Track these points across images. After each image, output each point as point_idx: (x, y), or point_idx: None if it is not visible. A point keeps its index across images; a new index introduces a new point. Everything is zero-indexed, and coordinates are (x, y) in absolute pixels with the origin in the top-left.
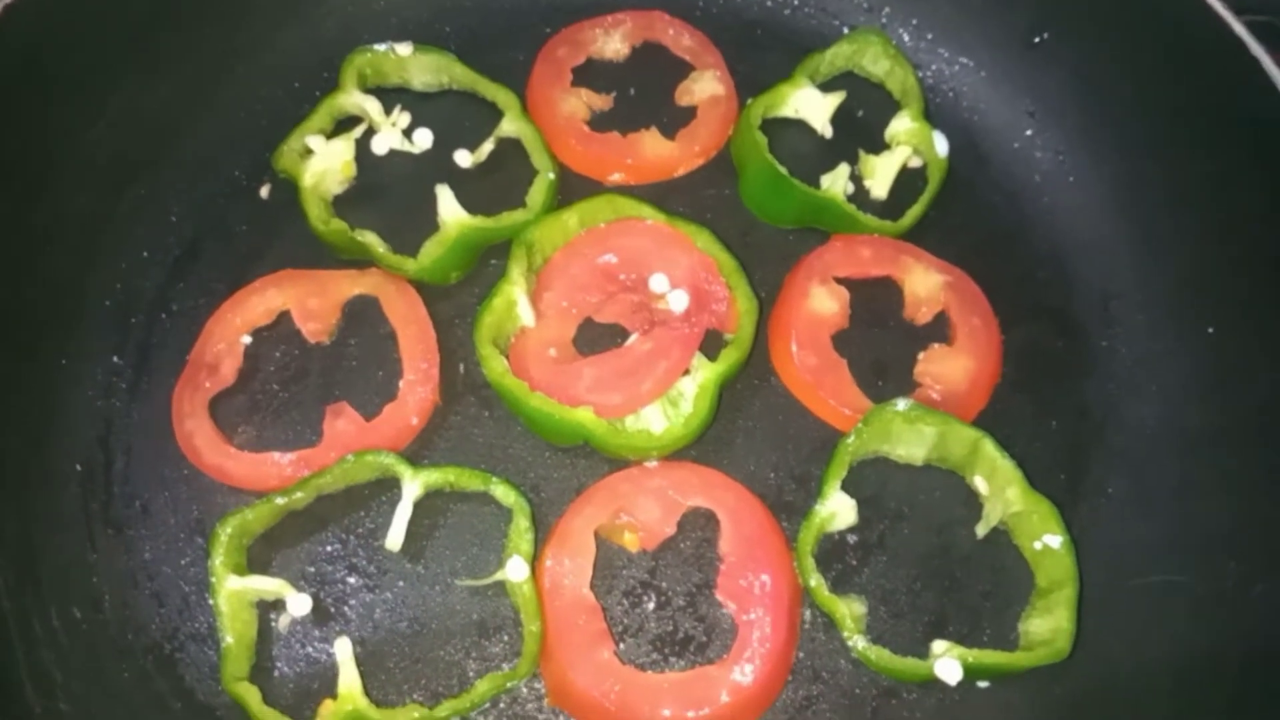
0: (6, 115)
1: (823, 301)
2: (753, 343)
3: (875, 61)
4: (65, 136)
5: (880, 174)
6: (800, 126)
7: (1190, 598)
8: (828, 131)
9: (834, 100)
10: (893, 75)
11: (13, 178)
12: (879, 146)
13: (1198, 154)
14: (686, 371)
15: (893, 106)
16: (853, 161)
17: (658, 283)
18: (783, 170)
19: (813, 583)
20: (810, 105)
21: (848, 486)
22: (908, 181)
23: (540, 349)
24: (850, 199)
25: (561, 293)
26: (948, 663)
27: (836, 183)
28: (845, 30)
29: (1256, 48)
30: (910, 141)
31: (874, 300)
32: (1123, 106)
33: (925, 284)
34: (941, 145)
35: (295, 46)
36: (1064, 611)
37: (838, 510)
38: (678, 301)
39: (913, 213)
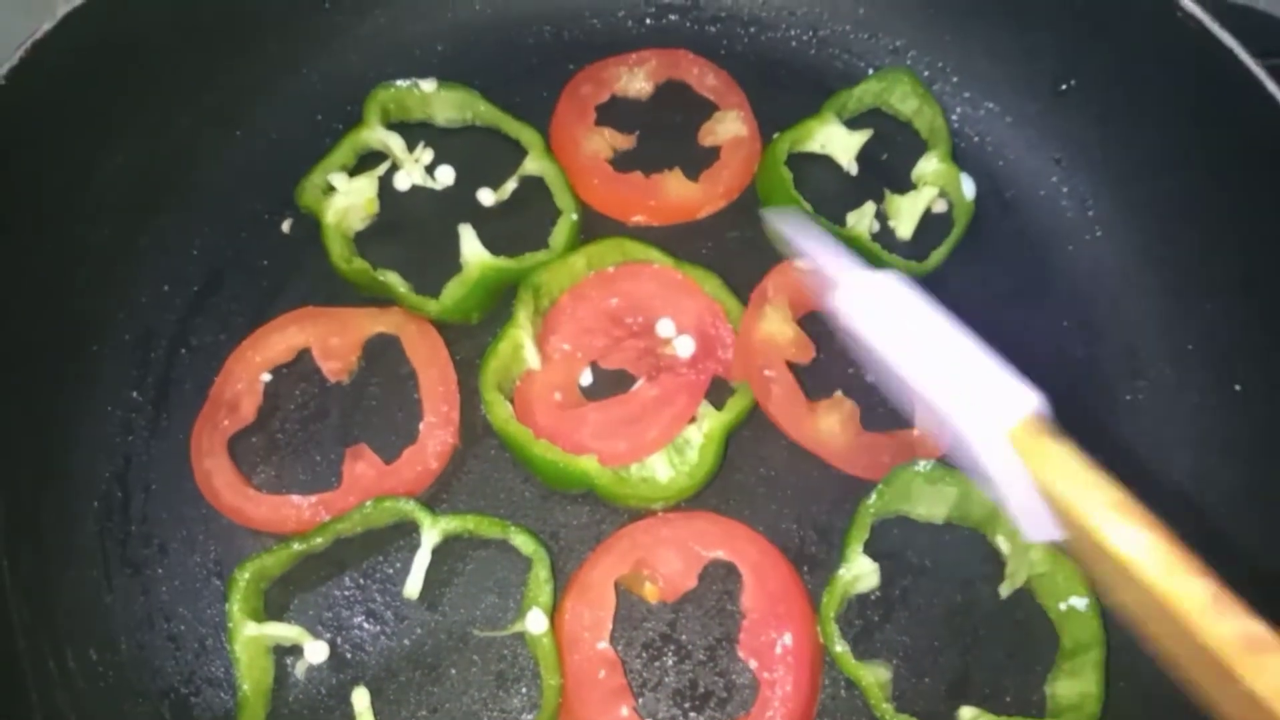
0: (27, 147)
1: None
2: None
3: (904, 100)
4: (85, 168)
5: (905, 215)
6: (826, 163)
7: None
8: (853, 169)
9: (860, 137)
10: (921, 114)
11: (32, 209)
12: (904, 186)
13: (1227, 207)
14: (693, 419)
15: (919, 146)
16: (878, 200)
17: (664, 328)
18: (808, 207)
19: (838, 649)
20: (836, 141)
21: (870, 544)
22: (930, 226)
23: (546, 393)
24: (874, 238)
25: (567, 337)
26: None
27: (862, 221)
28: (870, 72)
29: None
30: (937, 183)
31: None
32: (1152, 156)
33: None
34: (969, 188)
35: (318, 80)
36: (1092, 675)
37: (861, 574)
38: (684, 347)
39: (939, 253)
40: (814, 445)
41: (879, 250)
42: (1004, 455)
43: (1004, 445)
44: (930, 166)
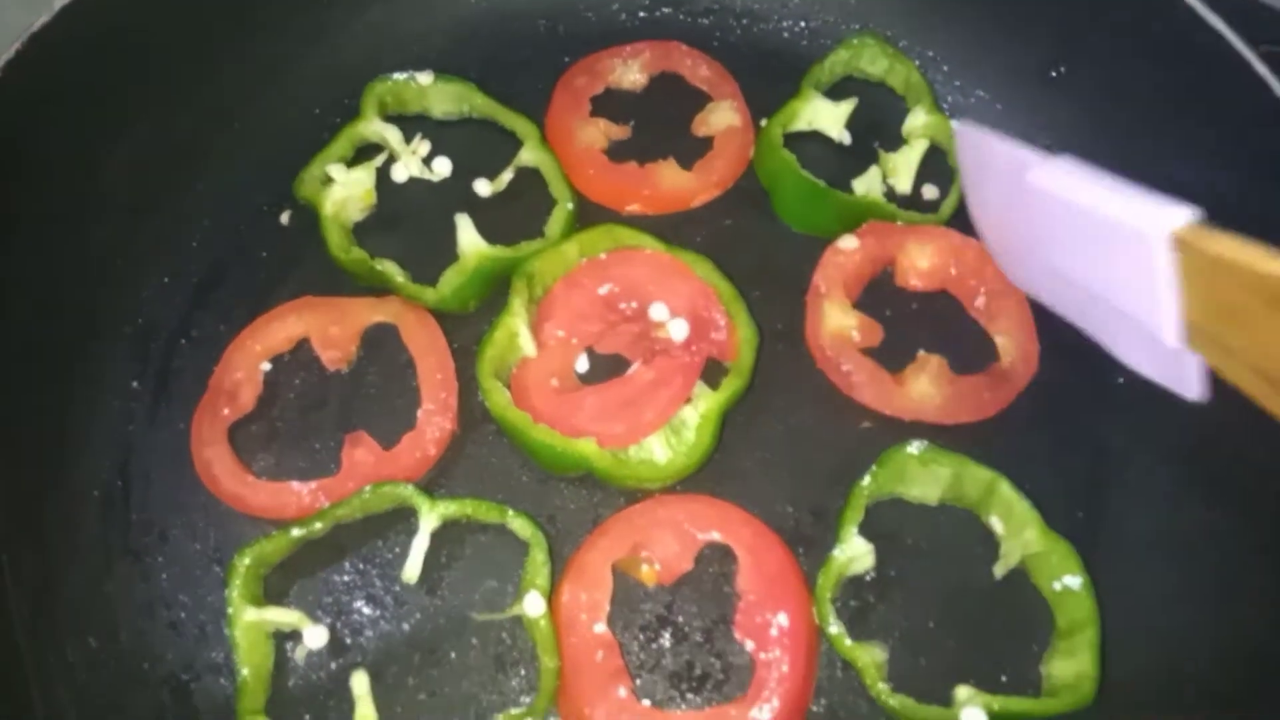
0: (25, 141)
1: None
2: (753, 371)
3: (873, 62)
4: (84, 161)
5: (902, 170)
6: (818, 138)
7: (1215, 641)
8: (845, 138)
9: (846, 107)
10: (894, 73)
11: (31, 203)
12: (895, 144)
13: (1219, 194)
14: (688, 400)
15: (900, 102)
16: (874, 161)
17: (657, 311)
18: (821, 184)
19: (833, 630)
20: (824, 116)
21: (864, 526)
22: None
23: (542, 379)
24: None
25: (562, 323)
26: (973, 712)
27: (872, 186)
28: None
29: (1278, 87)
30: (929, 134)
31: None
32: (1143, 143)
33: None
34: None
35: (316, 73)
36: (1087, 655)
37: (855, 555)
38: (678, 330)
39: (949, 203)
40: (913, 413)
41: (896, 210)
42: (1163, 259)
43: (1167, 248)
44: (919, 120)
